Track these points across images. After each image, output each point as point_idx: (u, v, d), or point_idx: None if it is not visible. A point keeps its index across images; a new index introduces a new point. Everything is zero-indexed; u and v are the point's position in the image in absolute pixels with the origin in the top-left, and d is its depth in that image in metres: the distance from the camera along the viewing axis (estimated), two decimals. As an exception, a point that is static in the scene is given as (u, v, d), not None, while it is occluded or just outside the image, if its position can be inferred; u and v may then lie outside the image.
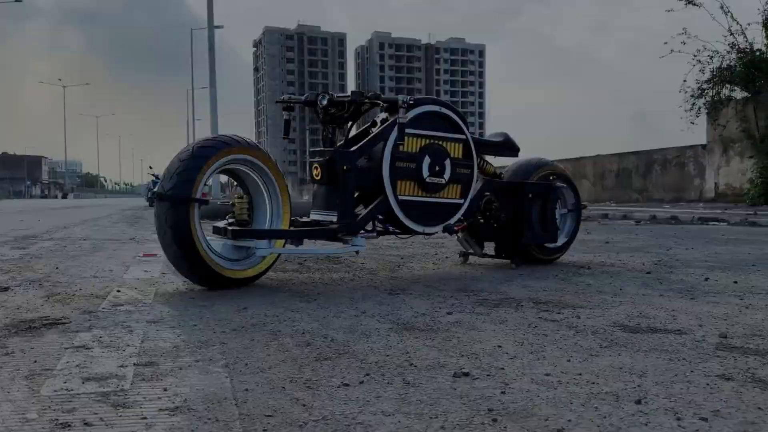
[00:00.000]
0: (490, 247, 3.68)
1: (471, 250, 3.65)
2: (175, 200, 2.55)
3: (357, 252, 3.16)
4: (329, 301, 2.40)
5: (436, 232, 3.26)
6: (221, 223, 2.89)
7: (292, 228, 2.93)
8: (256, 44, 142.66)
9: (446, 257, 4.02)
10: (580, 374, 1.41)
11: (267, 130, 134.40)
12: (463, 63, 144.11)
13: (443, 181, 3.17)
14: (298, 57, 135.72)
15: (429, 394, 1.26)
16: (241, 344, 1.73)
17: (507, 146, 3.63)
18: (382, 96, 2.96)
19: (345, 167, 2.89)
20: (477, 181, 3.38)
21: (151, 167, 23.07)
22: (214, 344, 1.73)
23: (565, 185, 3.79)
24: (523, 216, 3.51)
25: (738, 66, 12.52)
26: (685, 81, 13.46)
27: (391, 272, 3.28)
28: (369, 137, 3.02)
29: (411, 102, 2.99)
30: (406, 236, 3.24)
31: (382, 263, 3.69)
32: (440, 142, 3.17)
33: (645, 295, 2.50)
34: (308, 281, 2.93)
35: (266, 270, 2.87)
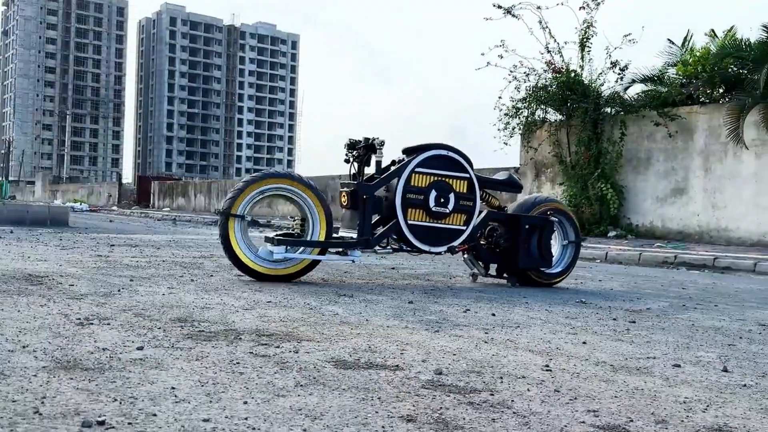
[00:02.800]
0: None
1: (476, 270, 4.80)
2: (221, 215, 4.27)
3: (353, 261, 4.50)
4: (-14, 332, 2.16)
5: (441, 253, 4.60)
6: (272, 234, 4.45)
7: (323, 240, 4.31)
8: (8, 2, 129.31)
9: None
10: (246, 418, 1.41)
11: (14, 110, 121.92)
12: (272, 53, 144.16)
13: (447, 211, 4.50)
14: (63, 23, 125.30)
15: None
16: None
17: (509, 184, 4.96)
18: (376, 140, 4.49)
19: (365, 196, 4.37)
20: (481, 211, 4.73)
21: None
22: None
23: (563, 220, 5.00)
24: (519, 244, 4.68)
25: (552, 86, 14.07)
26: (500, 98, 14.72)
27: (102, 297, 3.08)
28: (385, 174, 4.49)
29: (380, 144, 4.50)
30: (416, 254, 4.66)
31: (94, 288, 3.46)
32: (446, 179, 4.53)
33: (389, 327, 2.63)
34: (-21, 307, 2.64)
35: (297, 272, 4.28)
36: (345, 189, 4.51)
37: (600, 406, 1.68)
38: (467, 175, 4.60)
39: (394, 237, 4.50)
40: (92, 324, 2.41)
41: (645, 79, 13.54)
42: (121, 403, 1.48)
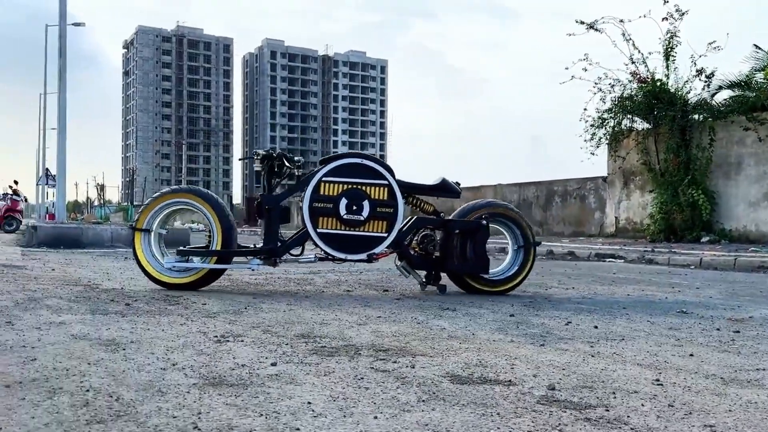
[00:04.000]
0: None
1: (411, 276, 4.61)
2: (130, 229, 4.63)
3: (253, 269, 4.52)
4: (140, 350, 2.32)
5: (361, 260, 4.44)
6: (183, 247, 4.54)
7: (219, 250, 4.37)
8: (127, 45, 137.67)
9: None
10: (379, 433, 1.46)
11: (136, 142, 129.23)
12: (363, 79, 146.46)
13: (362, 218, 4.38)
14: (176, 62, 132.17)
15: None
16: (5, 404, 1.63)
17: (442, 189, 4.69)
18: (285, 155, 4.56)
19: (267, 207, 4.42)
20: (409, 217, 4.58)
21: (16, 182, 21.24)
22: (-28, 407, 1.63)
23: (508, 224, 4.73)
24: (448, 249, 4.50)
25: (638, 96, 13.63)
26: (585, 110, 14.40)
27: (234, 315, 3.24)
28: (290, 185, 4.60)
29: (260, 155, 4.54)
30: (339, 262, 4.52)
31: (224, 306, 3.63)
32: (360, 187, 4.41)
33: (495, 341, 2.63)
34: (129, 325, 2.83)
35: (197, 281, 4.36)
36: (256, 201, 4.54)
37: (716, 420, 1.63)
38: (385, 182, 4.44)
39: (314, 245, 4.46)
40: (228, 341, 2.54)
41: (732, 85, 12.90)
42: (266, 417, 1.56)
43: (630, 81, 13.59)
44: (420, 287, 4.61)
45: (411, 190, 4.58)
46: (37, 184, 36.85)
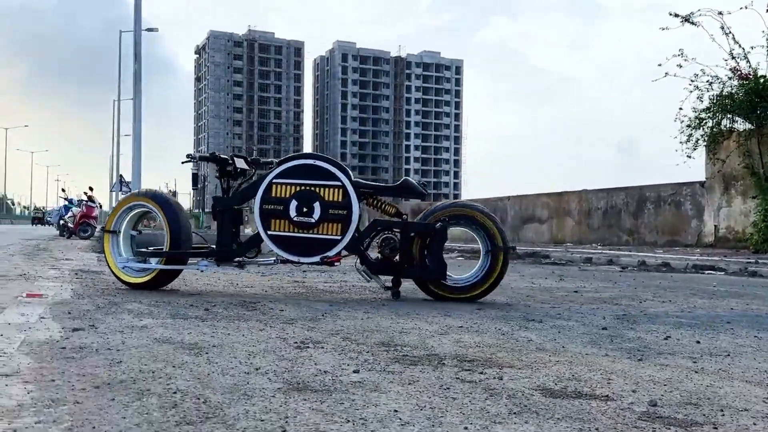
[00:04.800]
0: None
1: (372, 281, 4.65)
2: (100, 231, 5.44)
3: (202, 270, 4.80)
4: (222, 354, 2.41)
5: (315, 263, 4.52)
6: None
7: (167, 251, 4.66)
8: (199, 50, 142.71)
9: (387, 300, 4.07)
10: (472, 444, 1.47)
11: (207, 148, 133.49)
12: (437, 80, 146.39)
13: (313, 220, 4.46)
14: (247, 67, 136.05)
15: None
16: (96, 405, 1.73)
17: (404, 190, 4.66)
18: (238, 156, 4.87)
19: (219, 210, 4.70)
20: (368, 220, 4.68)
21: (63, 190, 22.67)
22: (66, 403, 1.74)
23: (476, 227, 4.55)
24: (404, 253, 4.50)
25: (739, 94, 13.05)
26: (681, 109, 13.89)
27: (312, 322, 3.31)
28: (242, 188, 4.79)
29: (197, 156, 4.91)
30: (297, 265, 4.86)
31: (301, 313, 3.72)
32: (312, 188, 4.48)
33: (588, 355, 2.59)
34: (209, 330, 2.94)
35: (151, 281, 4.71)
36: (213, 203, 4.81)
37: (841, 445, 1.55)
38: (338, 183, 4.47)
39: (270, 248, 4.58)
40: (308, 347, 2.60)
41: None
42: (354, 424, 1.60)
43: (730, 78, 13.04)
44: (394, 297, 4.52)
45: (370, 191, 4.61)
46: (111, 191, 38.66)
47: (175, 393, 1.86)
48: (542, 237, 18.30)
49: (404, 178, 4.76)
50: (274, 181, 4.54)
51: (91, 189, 20.62)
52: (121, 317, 3.30)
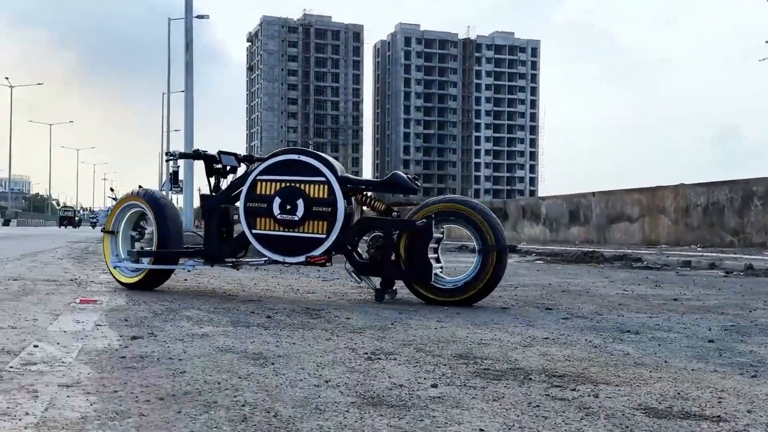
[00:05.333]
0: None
1: (364, 284, 4.80)
2: (102, 232, 5.48)
3: (189, 270, 5.30)
4: (289, 365, 2.46)
5: (299, 263, 4.68)
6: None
7: (154, 251, 5.03)
8: (251, 38, 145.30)
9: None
10: (569, 468, 1.45)
11: (261, 143, 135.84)
12: (510, 64, 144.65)
13: (296, 218, 4.60)
14: (302, 54, 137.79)
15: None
16: (162, 417, 1.79)
17: (393, 185, 4.74)
18: (226, 153, 5.11)
19: (206, 209, 4.92)
20: (357, 217, 4.74)
21: (112, 189, 23.47)
22: (131, 416, 1.81)
23: (466, 224, 4.57)
24: (389, 252, 4.55)
25: None
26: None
27: (381, 331, 3.33)
28: (229, 185, 5.00)
29: (177, 154, 5.35)
30: (288, 265, 5.01)
31: (369, 321, 3.75)
32: (297, 185, 4.61)
33: (694, 370, 2.53)
34: (273, 339, 3.00)
35: (141, 281, 5.09)
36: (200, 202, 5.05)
37: None
38: (323, 179, 4.57)
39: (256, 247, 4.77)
40: (380, 359, 2.63)
41: None
42: (436, 443, 1.61)
43: None
44: (387, 297, 4.64)
45: (357, 186, 4.71)
46: (160, 190, 39.86)
47: (243, 406, 1.91)
48: (632, 238, 17.89)
49: (393, 171, 4.84)
50: (258, 178, 4.73)
51: (111, 190, 21.29)
52: (180, 324, 3.41)
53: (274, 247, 4.68)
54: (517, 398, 2.06)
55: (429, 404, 1.97)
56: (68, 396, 2.00)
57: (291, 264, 4.76)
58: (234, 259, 4.98)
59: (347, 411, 1.87)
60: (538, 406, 1.98)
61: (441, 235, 4.78)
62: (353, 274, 4.71)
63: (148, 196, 5.17)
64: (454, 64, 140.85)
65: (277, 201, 4.63)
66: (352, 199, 4.74)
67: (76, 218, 74.59)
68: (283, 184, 4.65)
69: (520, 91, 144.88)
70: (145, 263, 5.13)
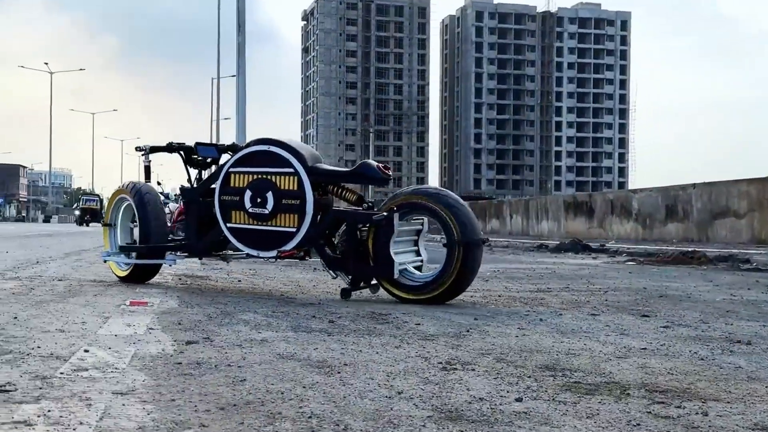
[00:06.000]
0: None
1: (340, 279, 4.95)
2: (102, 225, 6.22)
3: (170, 264, 5.60)
4: (356, 374, 2.49)
5: (271, 257, 5.06)
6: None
7: (137, 245, 5.60)
8: (306, 16, 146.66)
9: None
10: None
11: (317, 131, 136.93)
12: (596, 39, 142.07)
13: (266, 212, 4.88)
14: (362, 33, 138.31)
15: None
16: (224, 428, 1.84)
17: (361, 175, 4.94)
18: (205, 144, 5.49)
19: (185, 201, 5.33)
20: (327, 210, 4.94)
21: (159, 183, 23.98)
22: (191, 426, 1.86)
23: (430, 217, 4.80)
24: (353, 246, 4.75)
25: None
26: None
27: (456, 339, 3.34)
28: (206, 177, 5.36)
29: (147, 148, 5.68)
30: (273, 260, 5.39)
31: (441, 328, 3.76)
32: (267, 177, 4.88)
33: (817, 387, 2.46)
34: (338, 345, 3.05)
35: (129, 275, 5.66)
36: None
37: None
38: (291, 170, 4.79)
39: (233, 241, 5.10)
40: (456, 369, 2.64)
41: None
42: (525, 463, 1.61)
43: None
44: (341, 295, 4.82)
45: (329, 177, 4.92)
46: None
47: (310, 417, 1.95)
48: (739, 236, 17.40)
49: (363, 161, 5.02)
50: (231, 170, 5.04)
51: (159, 183, 21.76)
52: (237, 329, 3.49)
53: (247, 240, 5.00)
54: (614, 415, 2.04)
55: (514, 420, 1.97)
56: (123, 404, 2.07)
57: (265, 258, 5.16)
58: (222, 252, 5.38)
59: (423, 426, 1.89)
60: (638, 424, 1.95)
61: (421, 227, 4.99)
62: (328, 269, 4.94)
63: (133, 190, 5.60)
64: (532, 40, 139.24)
65: (248, 194, 4.93)
66: (330, 189, 4.98)
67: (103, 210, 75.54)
68: (254, 176, 4.94)
69: (607, 70, 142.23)
70: (134, 257, 5.64)
